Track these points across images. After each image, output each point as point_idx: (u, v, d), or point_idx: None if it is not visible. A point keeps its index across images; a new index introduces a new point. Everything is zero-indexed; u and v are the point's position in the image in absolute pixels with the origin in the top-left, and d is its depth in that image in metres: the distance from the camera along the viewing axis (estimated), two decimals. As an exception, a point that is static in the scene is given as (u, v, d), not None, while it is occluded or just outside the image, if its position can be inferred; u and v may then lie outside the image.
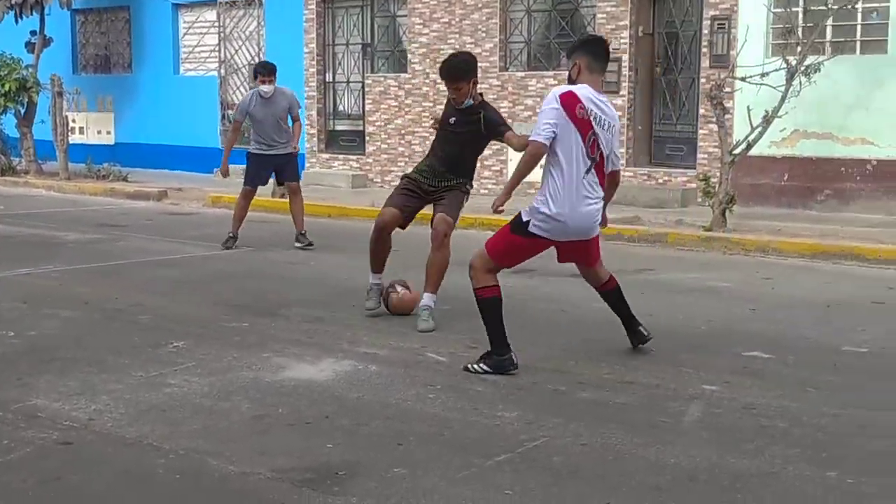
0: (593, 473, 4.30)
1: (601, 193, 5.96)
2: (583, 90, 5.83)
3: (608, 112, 5.89)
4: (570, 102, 5.75)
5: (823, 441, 4.72)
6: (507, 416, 5.05)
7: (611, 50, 6.15)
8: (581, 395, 5.46)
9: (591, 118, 5.77)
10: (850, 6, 12.37)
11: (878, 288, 8.72)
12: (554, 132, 5.72)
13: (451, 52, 16.59)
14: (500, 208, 5.99)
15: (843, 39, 13.10)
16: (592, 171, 5.84)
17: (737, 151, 11.73)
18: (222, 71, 19.67)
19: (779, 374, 5.90)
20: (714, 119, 12.35)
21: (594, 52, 5.98)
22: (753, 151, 12.00)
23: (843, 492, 4.11)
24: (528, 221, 5.85)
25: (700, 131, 14.47)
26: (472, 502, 3.97)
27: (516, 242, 5.93)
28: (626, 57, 14.97)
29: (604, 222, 6.11)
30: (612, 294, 6.33)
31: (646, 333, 6.28)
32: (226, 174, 11.29)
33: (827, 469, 4.34)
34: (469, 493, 4.04)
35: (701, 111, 14.32)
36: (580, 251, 6.11)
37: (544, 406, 5.24)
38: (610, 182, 6.09)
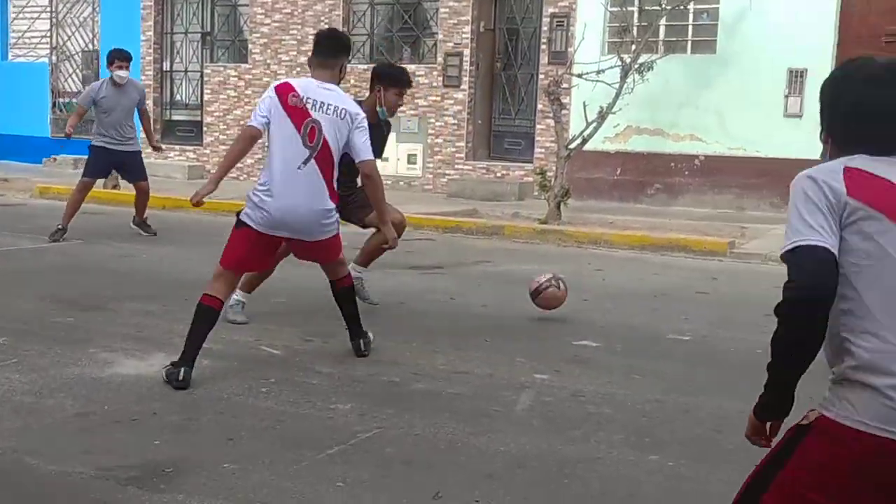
0: (425, 463, 4.33)
1: (328, 194, 5.62)
2: (302, 81, 5.76)
3: (339, 101, 5.64)
4: (282, 91, 5.60)
5: (647, 426, 4.88)
6: (340, 408, 5.04)
7: (341, 42, 6.03)
8: (415, 385, 5.49)
9: (307, 105, 5.54)
10: (682, 7, 12.81)
11: (703, 279, 9.07)
12: (266, 118, 5.56)
13: (293, 42, 16.61)
14: (200, 200, 5.60)
15: (675, 39, 13.56)
16: (313, 161, 5.53)
17: (572, 146, 12.01)
18: (54, 58, 18.99)
19: (607, 362, 6.07)
20: (551, 114, 12.60)
21: (317, 49, 5.85)
22: (588, 146, 12.30)
23: (664, 475, 4.25)
24: (240, 211, 5.67)
25: (538, 126, 14.75)
26: (303, 495, 3.94)
27: (235, 237, 5.63)
28: (467, 52, 15.15)
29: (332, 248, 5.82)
30: (341, 293, 5.99)
31: (362, 349, 5.97)
32: (69, 136, 10.64)
33: (649, 453, 4.49)
34: (300, 487, 4.02)
35: (539, 106, 14.60)
36: (312, 251, 5.84)
37: (378, 398, 5.24)
38: (363, 175, 5.88)
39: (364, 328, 6.02)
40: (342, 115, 5.60)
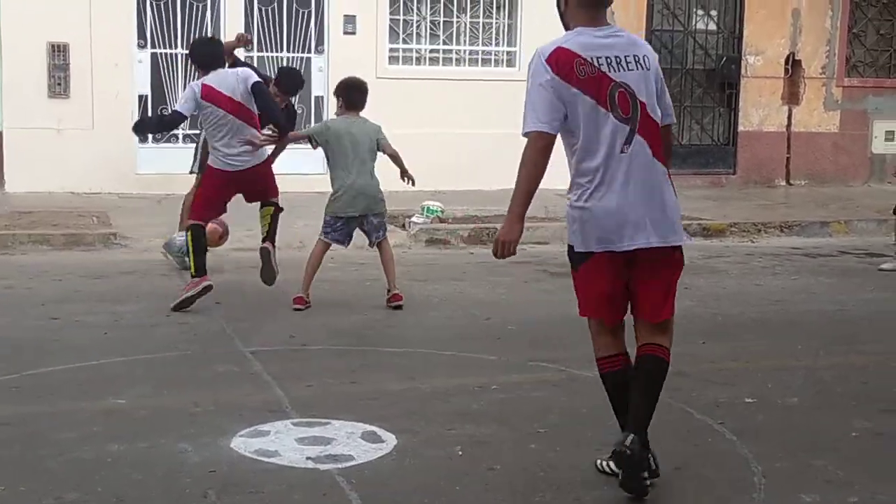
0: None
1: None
2: (575, 38, 3.97)
3: (626, 44, 3.99)
4: (563, 61, 3.90)
5: None
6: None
7: None
8: None
9: (601, 67, 3.90)
10: None
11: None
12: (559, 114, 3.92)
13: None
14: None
15: None
16: (637, 135, 3.94)
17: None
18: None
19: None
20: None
21: None
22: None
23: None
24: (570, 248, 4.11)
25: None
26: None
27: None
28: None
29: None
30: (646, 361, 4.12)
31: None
32: None
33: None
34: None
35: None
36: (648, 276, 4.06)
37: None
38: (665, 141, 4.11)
39: None
40: (646, 66, 4.00)
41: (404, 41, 12.46)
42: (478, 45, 12.70)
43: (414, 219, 10.18)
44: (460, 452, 4.41)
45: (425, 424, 4.75)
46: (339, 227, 7.09)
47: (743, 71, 13.68)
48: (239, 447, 4.38)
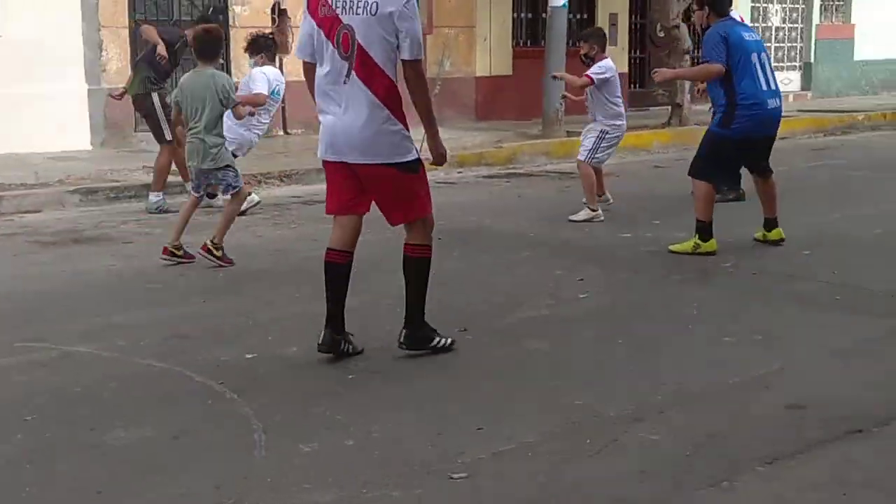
0: None
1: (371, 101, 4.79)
2: None
3: None
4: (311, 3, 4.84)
5: None
6: None
7: None
8: None
9: (337, 9, 4.72)
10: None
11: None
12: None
13: None
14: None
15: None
16: (353, 73, 4.75)
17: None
18: None
19: None
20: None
21: None
22: None
23: None
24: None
25: None
26: None
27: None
28: None
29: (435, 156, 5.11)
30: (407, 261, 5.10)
31: (400, 339, 5.11)
32: None
33: None
34: None
35: None
36: (370, 188, 4.97)
37: None
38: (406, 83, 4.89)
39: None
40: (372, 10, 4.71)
41: None
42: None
43: None
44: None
45: None
46: None
47: (231, 21, 13.61)
48: None
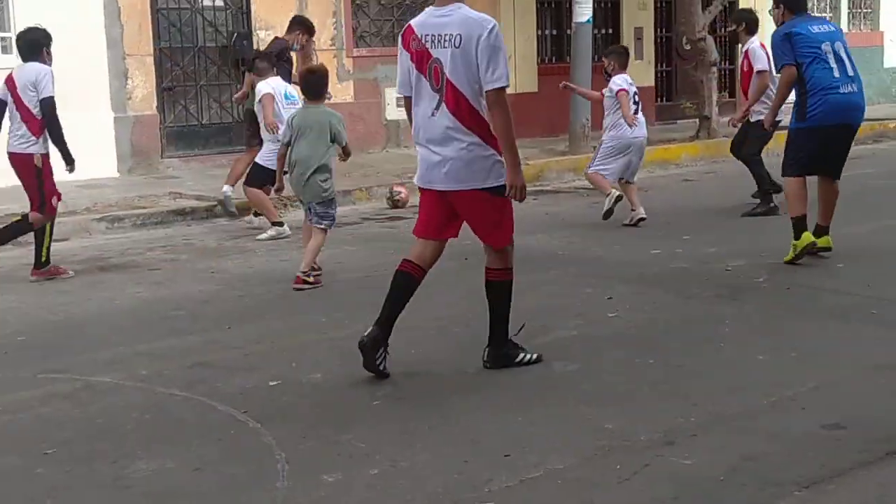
0: None
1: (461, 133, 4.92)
2: (420, 17, 5.06)
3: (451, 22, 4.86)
4: (405, 37, 5.04)
5: None
6: None
7: None
8: None
9: (427, 44, 4.91)
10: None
11: None
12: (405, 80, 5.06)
13: None
14: None
15: None
16: (443, 105, 4.91)
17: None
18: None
19: None
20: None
21: None
22: None
23: None
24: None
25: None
26: None
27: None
28: None
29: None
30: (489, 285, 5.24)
31: (484, 358, 5.24)
32: None
33: None
34: None
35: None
36: (463, 212, 5.11)
37: None
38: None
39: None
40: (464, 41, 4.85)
41: None
42: (-34, 30, 11.56)
43: None
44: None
45: None
46: None
47: (255, 46, 13.61)
48: None
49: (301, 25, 10.76)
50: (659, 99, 17.85)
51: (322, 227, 7.31)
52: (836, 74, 7.15)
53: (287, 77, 9.84)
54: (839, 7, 20.44)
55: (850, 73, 7.22)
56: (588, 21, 13.89)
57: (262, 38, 13.77)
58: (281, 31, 13.73)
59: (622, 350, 5.46)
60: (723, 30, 17.28)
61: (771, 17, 8.07)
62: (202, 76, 13.42)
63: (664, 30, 18.25)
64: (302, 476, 3.95)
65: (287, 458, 4.11)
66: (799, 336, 5.59)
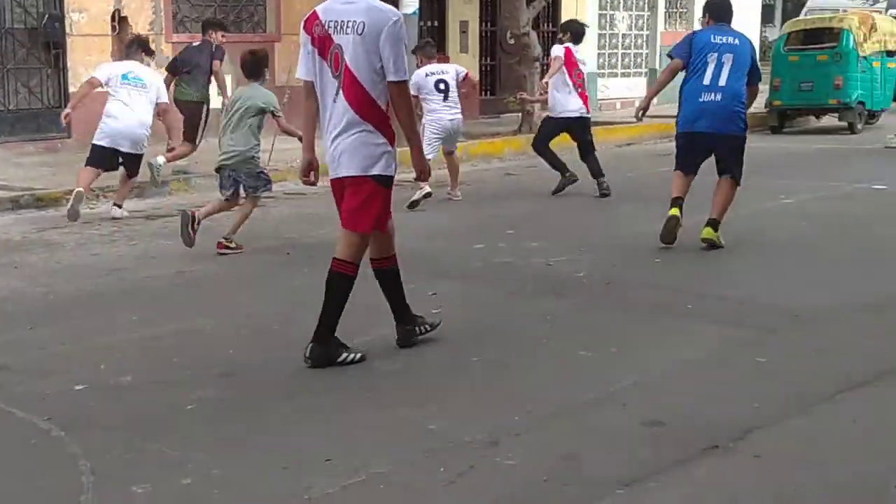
0: None
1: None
2: (325, 3, 5.03)
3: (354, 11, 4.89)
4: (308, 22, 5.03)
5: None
6: None
7: None
8: None
9: (329, 29, 4.90)
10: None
11: None
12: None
13: None
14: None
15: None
16: (341, 92, 4.92)
17: None
18: None
19: None
20: None
21: None
22: None
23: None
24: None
25: None
26: None
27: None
28: None
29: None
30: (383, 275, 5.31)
31: (416, 332, 5.38)
32: None
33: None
34: None
35: None
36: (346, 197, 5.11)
37: None
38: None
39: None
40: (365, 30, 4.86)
41: None
42: None
43: None
44: None
45: None
46: None
47: (68, 29, 13.00)
48: None
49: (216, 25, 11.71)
50: (483, 93, 17.98)
51: (256, 195, 7.90)
52: (705, 82, 7.59)
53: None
54: (656, 7, 21.06)
55: (722, 83, 7.58)
56: (414, 13, 13.83)
57: (76, 20, 13.17)
58: (95, 14, 13.21)
59: (445, 348, 5.39)
60: (546, 25, 17.62)
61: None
62: (10, 59, 12.71)
63: (489, 24, 18.41)
64: (109, 488, 3.71)
65: (93, 469, 3.85)
66: (619, 331, 5.66)
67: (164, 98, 9.55)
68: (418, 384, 4.87)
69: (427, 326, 5.42)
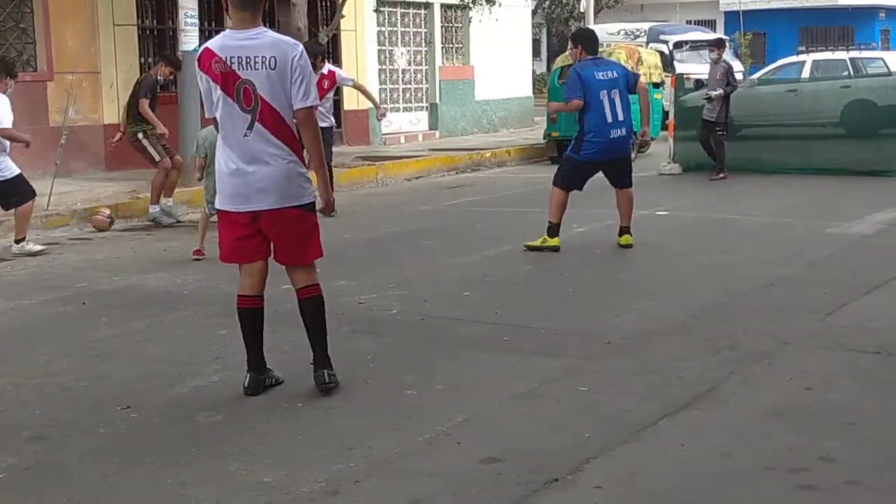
0: None
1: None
2: (219, 40, 5.02)
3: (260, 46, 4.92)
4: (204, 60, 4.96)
5: None
6: None
7: None
8: None
9: (233, 65, 4.90)
10: None
11: None
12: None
13: None
14: None
15: None
16: (257, 125, 4.94)
17: None
18: None
19: None
20: None
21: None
22: None
23: None
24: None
25: None
26: None
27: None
28: None
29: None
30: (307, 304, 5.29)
31: (327, 380, 5.19)
32: None
33: None
34: None
35: None
36: (274, 231, 5.11)
37: None
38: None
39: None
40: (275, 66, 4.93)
41: None
42: None
43: None
44: None
45: None
46: None
47: None
48: None
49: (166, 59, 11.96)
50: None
51: None
52: (609, 120, 8.71)
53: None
54: (433, 42, 21.41)
55: (621, 117, 8.78)
56: (195, 50, 13.50)
57: None
58: None
59: (266, 394, 5.22)
60: (327, 62, 17.52)
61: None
62: None
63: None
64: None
65: None
66: (441, 368, 5.63)
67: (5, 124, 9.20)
68: (244, 434, 4.68)
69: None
